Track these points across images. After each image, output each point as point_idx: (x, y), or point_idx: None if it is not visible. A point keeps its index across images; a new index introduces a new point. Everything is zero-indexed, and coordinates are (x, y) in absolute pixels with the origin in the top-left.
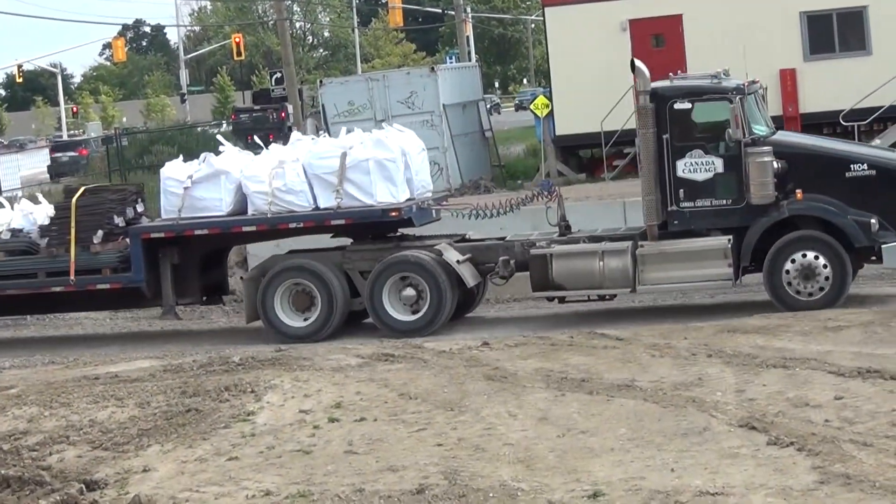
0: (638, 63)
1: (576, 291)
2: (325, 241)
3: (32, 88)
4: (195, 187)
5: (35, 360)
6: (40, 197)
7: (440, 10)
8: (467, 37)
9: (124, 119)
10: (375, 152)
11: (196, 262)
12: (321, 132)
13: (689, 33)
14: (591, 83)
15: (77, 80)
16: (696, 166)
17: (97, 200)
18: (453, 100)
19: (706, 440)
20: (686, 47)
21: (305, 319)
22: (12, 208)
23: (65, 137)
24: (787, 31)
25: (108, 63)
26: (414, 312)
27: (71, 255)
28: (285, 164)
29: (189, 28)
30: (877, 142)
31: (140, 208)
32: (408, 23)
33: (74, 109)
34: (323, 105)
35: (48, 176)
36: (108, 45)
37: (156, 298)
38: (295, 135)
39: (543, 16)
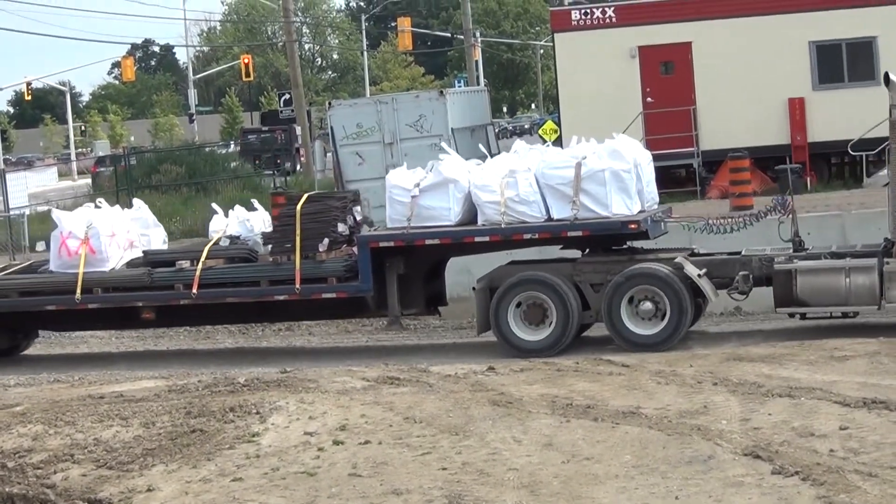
0: (893, 76)
1: (819, 308)
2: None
3: (41, 106)
4: (423, 196)
5: (40, 378)
6: (256, 203)
7: (449, 35)
8: (476, 61)
9: (132, 138)
10: (611, 163)
11: (421, 271)
12: (328, 154)
13: (698, 61)
14: (599, 109)
15: (86, 98)
16: None
17: (322, 208)
18: (462, 124)
19: (711, 468)
20: (695, 75)
21: (538, 333)
22: (226, 215)
23: (73, 156)
24: (796, 60)
25: (117, 82)
26: (651, 326)
27: (296, 264)
28: (517, 174)
29: (198, 48)
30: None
31: (358, 216)
32: (417, 46)
33: (83, 127)
34: (331, 127)
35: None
36: (116, 64)
37: (379, 309)
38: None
39: (553, 41)
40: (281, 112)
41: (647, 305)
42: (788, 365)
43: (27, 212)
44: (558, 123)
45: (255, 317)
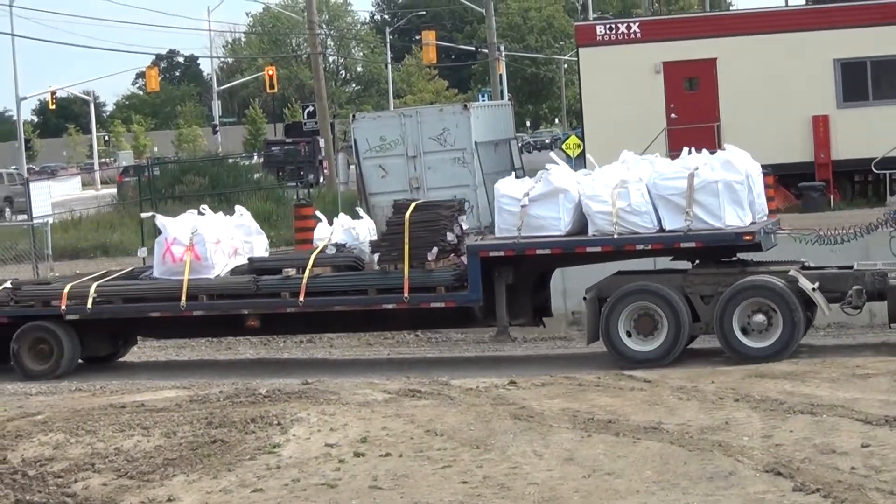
0: None
1: None
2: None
3: (65, 116)
4: (532, 205)
5: (62, 386)
6: (361, 211)
7: (474, 48)
8: (500, 75)
9: (156, 149)
10: (724, 174)
11: (529, 281)
12: (352, 167)
13: (722, 77)
14: (623, 124)
15: (110, 108)
16: None
17: (432, 216)
18: (485, 137)
19: (732, 485)
20: (719, 91)
21: (649, 344)
22: (330, 223)
23: (96, 166)
24: (821, 78)
25: (141, 92)
26: (763, 339)
27: (405, 272)
28: (629, 184)
29: (222, 60)
30: None
31: (465, 225)
32: (441, 60)
33: (106, 137)
34: (355, 139)
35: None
36: (141, 75)
37: (486, 319)
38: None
39: (577, 56)
40: (304, 124)
41: (760, 318)
42: (810, 382)
43: (50, 220)
44: (582, 138)
45: (360, 326)
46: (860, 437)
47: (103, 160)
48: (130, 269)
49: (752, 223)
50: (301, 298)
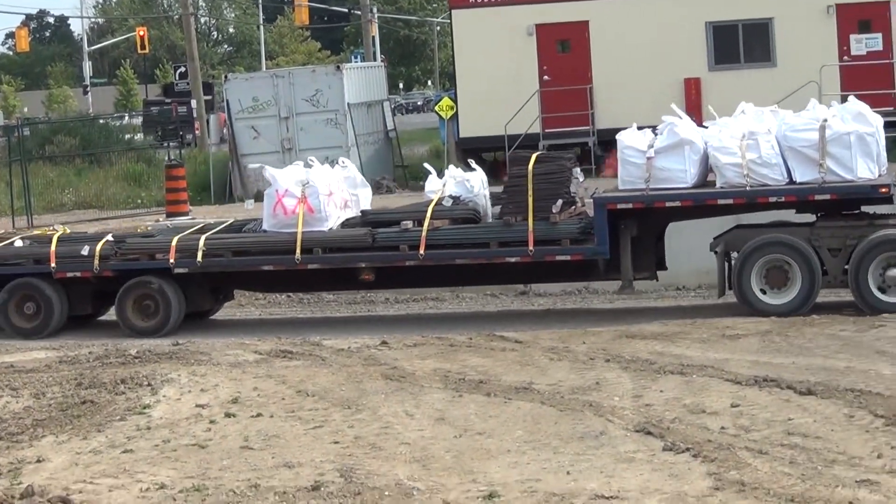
0: None
1: None
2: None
3: None
4: (658, 157)
5: None
6: (473, 164)
7: (346, 10)
8: (373, 37)
9: (25, 109)
10: (857, 126)
11: (653, 234)
12: (225, 128)
13: (594, 40)
14: (496, 86)
15: None
16: None
17: (554, 168)
18: (358, 99)
19: (602, 444)
20: (592, 54)
21: (781, 297)
22: (439, 176)
23: None
24: (693, 41)
25: (11, 53)
26: (893, 294)
27: (529, 225)
28: (758, 136)
29: (93, 20)
30: None
31: (580, 178)
32: (313, 21)
33: None
34: (227, 100)
35: None
36: (10, 35)
37: (608, 272)
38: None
39: (450, 18)
40: (176, 85)
41: (894, 273)
42: (681, 343)
43: None
44: (455, 100)
45: (477, 279)
46: (730, 397)
47: None
48: (231, 221)
49: (881, 176)
50: (421, 251)
